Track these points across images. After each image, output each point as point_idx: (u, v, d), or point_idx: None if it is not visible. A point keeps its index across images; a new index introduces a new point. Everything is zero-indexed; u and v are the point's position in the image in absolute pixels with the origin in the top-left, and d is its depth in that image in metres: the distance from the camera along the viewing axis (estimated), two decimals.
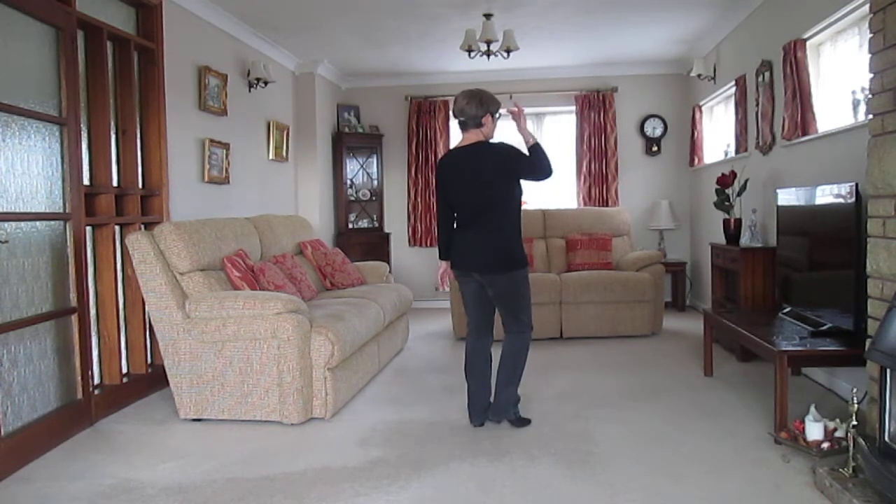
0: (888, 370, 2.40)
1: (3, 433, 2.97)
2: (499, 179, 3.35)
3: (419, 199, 7.74)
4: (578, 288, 5.63)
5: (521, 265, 3.40)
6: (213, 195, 5.22)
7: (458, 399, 3.82)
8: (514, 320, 3.45)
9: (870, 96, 2.75)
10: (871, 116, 2.73)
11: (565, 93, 7.50)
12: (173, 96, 4.57)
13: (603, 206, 7.35)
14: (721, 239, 5.42)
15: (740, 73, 5.53)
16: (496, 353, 3.52)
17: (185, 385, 3.63)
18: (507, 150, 3.38)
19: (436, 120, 7.66)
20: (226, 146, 5.35)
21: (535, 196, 7.20)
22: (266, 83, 5.88)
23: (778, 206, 4.09)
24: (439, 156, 7.48)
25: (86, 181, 3.76)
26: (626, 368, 4.64)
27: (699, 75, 6.44)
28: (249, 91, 5.88)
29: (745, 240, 5.01)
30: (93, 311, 3.82)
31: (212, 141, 5.13)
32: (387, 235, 7.72)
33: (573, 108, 7.50)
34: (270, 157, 6.33)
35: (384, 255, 7.55)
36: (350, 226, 7.62)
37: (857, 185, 3.14)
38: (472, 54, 5.47)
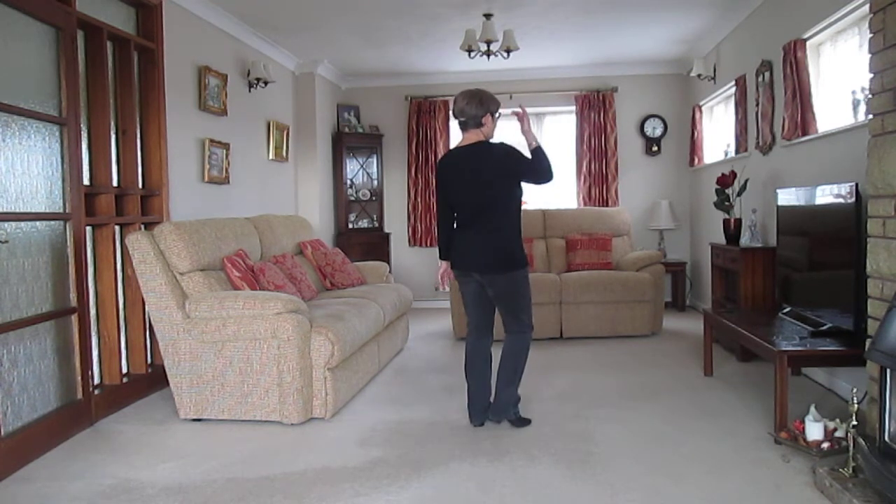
0: (888, 370, 2.40)
1: (3, 433, 2.97)
2: (499, 179, 3.34)
3: (419, 199, 7.74)
4: (578, 288, 5.63)
5: (521, 265, 3.39)
6: (213, 195, 5.22)
7: (458, 399, 3.82)
8: (515, 320, 3.45)
9: (870, 96, 2.75)
10: (871, 116, 2.73)
11: (565, 93, 7.50)
12: (173, 96, 4.57)
13: (603, 206, 7.34)
14: (721, 239, 5.42)
15: (740, 73, 5.53)
16: (496, 353, 3.52)
17: (185, 385, 3.63)
18: (507, 150, 3.38)
19: (436, 120, 7.66)
20: (226, 146, 5.35)
21: (535, 196, 7.19)
22: (266, 83, 5.88)
23: (778, 206, 4.09)
24: (439, 156, 7.48)
25: (86, 181, 3.76)
26: (626, 368, 4.64)
27: (699, 75, 6.44)
28: (249, 91, 5.88)
29: (745, 240, 5.01)
30: (93, 311, 3.82)
31: (212, 141, 5.13)
32: (387, 235, 7.72)
33: (573, 108, 7.50)
34: (270, 157, 6.33)
35: (384, 255, 7.55)
36: (350, 226, 7.62)
37: (857, 185, 3.14)
38: (472, 54, 5.47)
